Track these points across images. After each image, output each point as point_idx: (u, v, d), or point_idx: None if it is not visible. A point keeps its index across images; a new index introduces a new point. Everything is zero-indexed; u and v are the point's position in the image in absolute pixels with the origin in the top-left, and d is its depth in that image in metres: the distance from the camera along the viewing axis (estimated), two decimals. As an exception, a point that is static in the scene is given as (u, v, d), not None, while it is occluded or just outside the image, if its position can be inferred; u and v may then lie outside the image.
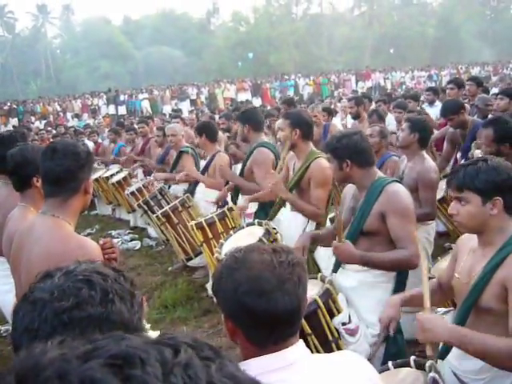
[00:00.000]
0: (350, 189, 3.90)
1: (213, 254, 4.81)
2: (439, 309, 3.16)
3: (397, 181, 3.69)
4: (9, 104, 31.31)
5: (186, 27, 61.96)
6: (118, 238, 9.39)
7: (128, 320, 1.21)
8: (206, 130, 6.71)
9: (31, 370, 0.57)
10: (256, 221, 4.59)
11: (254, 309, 1.55)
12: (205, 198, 6.75)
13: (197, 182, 6.96)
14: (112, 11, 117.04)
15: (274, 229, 4.32)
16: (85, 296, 1.22)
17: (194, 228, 5.17)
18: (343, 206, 3.88)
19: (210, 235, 5.08)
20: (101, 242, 2.81)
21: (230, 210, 5.38)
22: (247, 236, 4.33)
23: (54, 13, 69.81)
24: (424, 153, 4.95)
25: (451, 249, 5.49)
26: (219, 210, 5.48)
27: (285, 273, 1.60)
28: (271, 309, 1.55)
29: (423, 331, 2.36)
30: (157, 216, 6.52)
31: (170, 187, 7.82)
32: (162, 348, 0.61)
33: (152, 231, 8.86)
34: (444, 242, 6.64)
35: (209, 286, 5.99)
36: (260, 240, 4.11)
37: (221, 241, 4.58)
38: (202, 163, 7.37)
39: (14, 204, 3.52)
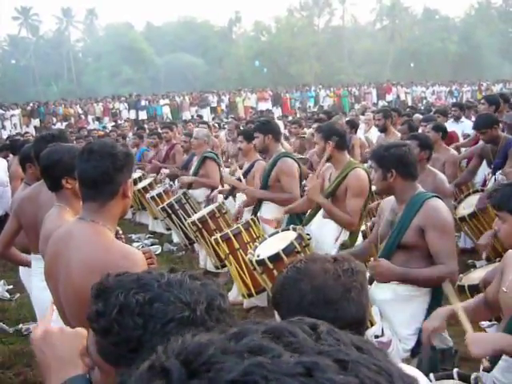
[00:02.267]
0: (388, 202, 3.89)
1: (240, 266, 4.83)
2: (483, 322, 3.15)
3: (437, 196, 3.68)
4: (31, 105, 31.62)
5: (207, 35, 62.26)
6: (138, 241, 9.43)
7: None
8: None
9: (195, 349, 0.60)
10: (291, 226, 4.61)
11: (322, 319, 1.55)
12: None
13: (234, 189, 6.98)
14: (135, 17, 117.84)
15: (308, 234, 4.34)
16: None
17: (220, 241, 5.14)
18: (381, 219, 3.88)
19: (237, 245, 5.08)
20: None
21: (254, 220, 5.41)
22: (280, 240, 4.36)
23: (78, 16, 70.66)
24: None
25: (474, 266, 5.50)
26: (244, 221, 5.48)
27: (349, 281, 1.60)
28: (339, 318, 1.53)
29: (477, 347, 2.33)
30: (193, 221, 6.48)
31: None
32: (302, 324, 0.65)
33: (174, 236, 8.86)
34: (467, 259, 6.62)
35: (231, 294, 5.98)
36: (292, 243, 4.15)
37: (255, 243, 4.62)
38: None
39: (53, 203, 3.56)
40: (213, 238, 5.41)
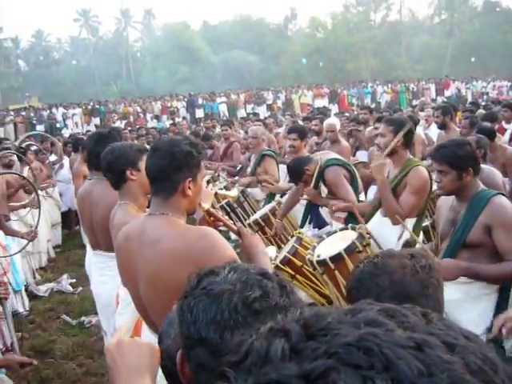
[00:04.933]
0: (445, 201, 3.78)
1: (310, 280, 4.74)
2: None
3: (501, 193, 3.57)
4: (91, 104, 32.40)
5: (263, 33, 62.40)
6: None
7: None
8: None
9: (314, 317, 0.65)
10: (350, 225, 4.54)
11: None
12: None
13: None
14: (191, 16, 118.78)
15: (368, 233, 4.27)
16: (268, 287, 1.25)
17: (281, 266, 4.87)
18: (439, 218, 3.79)
19: (299, 263, 4.95)
20: None
21: (301, 233, 5.28)
22: (340, 240, 4.29)
23: (137, 17, 72.04)
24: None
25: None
26: (294, 239, 5.32)
27: (426, 277, 1.59)
28: None
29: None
30: (254, 220, 6.48)
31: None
32: (413, 310, 0.67)
33: (231, 233, 8.89)
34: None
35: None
36: (353, 243, 4.09)
37: (313, 243, 4.56)
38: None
39: (112, 199, 3.62)
40: (273, 265, 5.25)
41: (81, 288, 7.73)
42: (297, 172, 5.75)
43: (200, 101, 32.39)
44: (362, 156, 8.30)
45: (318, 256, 4.22)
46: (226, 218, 2.81)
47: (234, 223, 3.17)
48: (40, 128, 28.10)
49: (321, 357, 0.58)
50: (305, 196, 6.06)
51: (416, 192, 4.44)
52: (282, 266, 4.85)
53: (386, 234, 4.51)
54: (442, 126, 8.47)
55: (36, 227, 6.98)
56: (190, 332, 1.22)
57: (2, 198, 6.68)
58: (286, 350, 0.60)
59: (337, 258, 4.09)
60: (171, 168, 2.51)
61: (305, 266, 4.76)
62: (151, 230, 2.55)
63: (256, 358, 0.61)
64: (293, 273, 4.83)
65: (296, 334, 0.62)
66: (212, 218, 2.75)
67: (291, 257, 4.85)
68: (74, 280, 8.15)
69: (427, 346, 0.59)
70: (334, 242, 4.33)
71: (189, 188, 2.54)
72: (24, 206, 7.99)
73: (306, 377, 0.57)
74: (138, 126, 22.07)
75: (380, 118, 7.04)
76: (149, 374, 1.38)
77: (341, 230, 4.65)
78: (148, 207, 3.16)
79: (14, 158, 8.40)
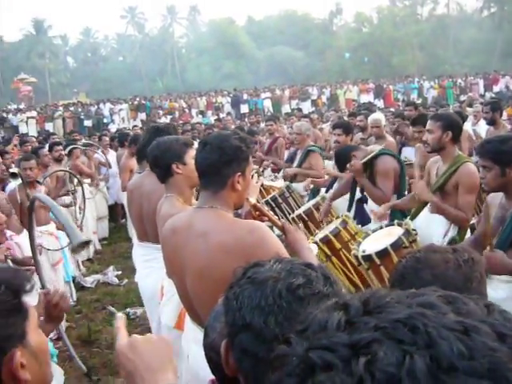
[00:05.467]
0: (494, 198, 3.70)
1: (345, 266, 4.75)
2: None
3: None
4: (138, 100, 32.84)
5: (308, 28, 62.09)
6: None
7: None
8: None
9: (374, 297, 0.70)
10: (396, 221, 4.50)
11: None
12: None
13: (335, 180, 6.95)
14: (236, 12, 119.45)
15: (414, 230, 4.22)
16: (312, 276, 1.26)
17: (320, 244, 4.91)
18: (487, 216, 3.71)
19: (339, 246, 4.96)
20: None
21: (348, 217, 5.28)
22: (386, 236, 4.26)
23: (182, 13, 72.66)
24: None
25: None
26: (340, 221, 5.32)
27: (469, 271, 1.58)
28: None
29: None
30: (298, 215, 6.45)
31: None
32: (476, 300, 0.70)
33: (275, 228, 8.89)
34: None
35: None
36: (400, 239, 4.06)
37: (358, 239, 4.53)
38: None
39: (163, 191, 3.65)
40: (312, 241, 5.30)
41: (126, 280, 7.86)
42: (343, 158, 5.72)
43: (245, 96, 32.51)
44: (408, 152, 8.18)
45: (364, 251, 4.19)
46: (271, 213, 2.81)
47: (279, 218, 3.18)
48: (87, 123, 28.71)
49: (369, 330, 0.64)
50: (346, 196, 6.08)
51: (470, 191, 4.37)
52: (320, 244, 4.88)
53: (433, 230, 4.45)
54: (491, 122, 8.31)
55: (81, 222, 7.15)
56: (235, 319, 1.23)
57: (52, 192, 6.84)
58: (341, 322, 0.66)
59: (383, 254, 4.05)
60: (221, 163, 2.52)
61: (343, 250, 4.79)
62: (200, 223, 2.57)
63: (316, 327, 0.68)
64: (329, 253, 4.88)
65: (355, 309, 0.68)
66: (257, 213, 2.76)
67: (332, 237, 4.89)
68: (119, 272, 8.29)
69: (475, 331, 0.62)
70: (380, 238, 4.30)
71: (238, 182, 2.56)
72: (68, 193, 8.28)
73: (353, 346, 0.62)
74: (182, 122, 22.26)
75: (422, 116, 6.94)
76: (170, 369, 1.36)
77: (387, 225, 4.61)
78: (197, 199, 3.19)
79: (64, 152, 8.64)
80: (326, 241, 4.88)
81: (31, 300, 1.43)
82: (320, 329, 0.67)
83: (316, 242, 4.84)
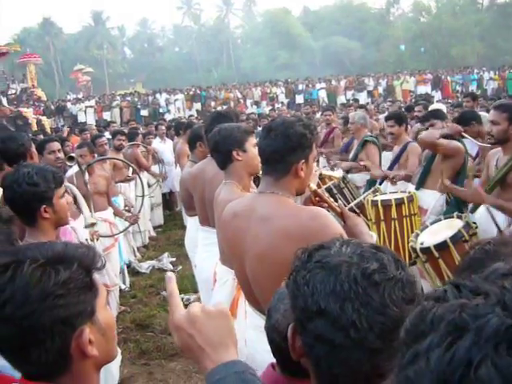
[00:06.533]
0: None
1: (389, 237, 4.71)
2: None
3: None
4: (193, 90, 33.14)
5: (364, 18, 61.22)
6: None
7: None
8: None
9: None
10: (455, 214, 4.39)
11: None
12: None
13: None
14: (292, 2, 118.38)
15: (474, 223, 4.11)
16: (384, 260, 1.23)
17: (380, 205, 5.07)
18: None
19: (395, 215, 4.95)
20: None
21: (416, 194, 5.25)
22: (445, 228, 4.17)
23: (238, 4, 72.85)
24: None
25: None
26: (408, 194, 5.26)
27: None
28: None
29: None
30: (350, 208, 6.40)
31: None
32: None
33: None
34: None
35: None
36: (459, 231, 3.98)
37: (416, 231, 4.45)
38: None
39: (221, 179, 3.66)
40: (370, 199, 5.28)
41: (180, 267, 7.96)
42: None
43: (300, 87, 32.38)
44: (467, 144, 7.97)
45: (422, 243, 4.11)
46: (331, 199, 2.78)
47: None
48: (144, 113, 29.17)
49: None
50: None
51: None
52: (379, 205, 5.07)
53: (493, 223, 4.32)
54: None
55: (139, 211, 7.25)
56: (308, 304, 1.20)
57: (110, 180, 6.97)
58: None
59: (442, 247, 3.97)
60: (285, 150, 2.51)
61: (396, 222, 4.89)
62: (262, 208, 2.57)
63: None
64: (382, 218, 5.02)
65: (495, 296, 0.68)
66: (317, 199, 2.73)
67: (394, 204, 5.02)
68: (174, 259, 8.40)
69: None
70: (439, 230, 4.21)
71: (301, 169, 2.54)
72: (126, 180, 8.44)
73: None
74: (238, 110, 22.34)
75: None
76: (232, 344, 1.33)
77: (446, 218, 4.51)
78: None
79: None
80: (385, 204, 4.88)
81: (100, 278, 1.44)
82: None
83: (375, 202, 4.90)
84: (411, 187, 5.55)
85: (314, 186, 2.72)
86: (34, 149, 4.64)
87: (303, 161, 2.54)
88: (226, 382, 1.25)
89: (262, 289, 2.55)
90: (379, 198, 5.10)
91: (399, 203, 4.90)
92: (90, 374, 1.35)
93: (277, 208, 2.53)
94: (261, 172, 2.74)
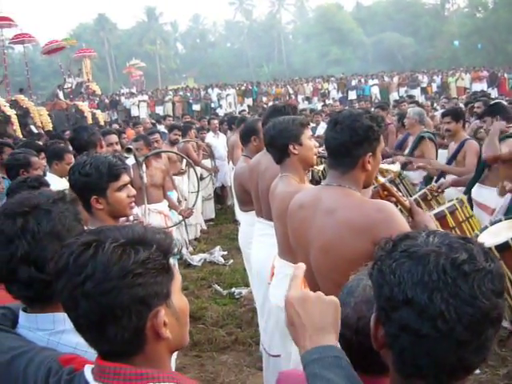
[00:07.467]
0: None
1: None
2: None
3: None
4: (245, 85, 33.26)
5: (418, 13, 60.21)
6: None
7: None
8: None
9: None
10: (517, 214, 4.28)
11: None
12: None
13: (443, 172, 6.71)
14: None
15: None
16: (474, 251, 1.20)
17: (434, 219, 4.90)
18: None
19: (452, 224, 4.81)
20: None
21: (465, 198, 5.12)
22: (507, 229, 4.04)
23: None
24: None
25: None
26: (457, 201, 5.17)
27: None
28: None
29: None
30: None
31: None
32: None
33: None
34: None
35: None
36: None
37: (475, 232, 4.34)
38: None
39: (277, 170, 3.63)
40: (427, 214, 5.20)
41: (232, 260, 7.99)
42: None
43: (353, 82, 32.12)
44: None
45: None
46: (400, 193, 2.74)
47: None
48: (196, 107, 29.45)
49: None
50: None
51: None
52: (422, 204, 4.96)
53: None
54: None
55: (193, 206, 7.31)
56: (394, 293, 1.18)
57: (166, 173, 7.04)
58: None
59: (503, 247, 3.84)
60: (352, 143, 2.47)
61: (456, 230, 4.65)
62: (328, 200, 2.55)
63: None
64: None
65: None
66: (385, 192, 2.69)
67: (448, 214, 4.69)
68: (225, 252, 8.44)
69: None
70: (499, 232, 4.08)
71: (368, 162, 2.51)
72: (180, 173, 8.53)
73: None
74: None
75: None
76: (333, 332, 1.39)
77: (506, 218, 4.38)
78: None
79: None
80: (440, 217, 4.77)
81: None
82: None
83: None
84: None
85: (382, 179, 2.69)
86: (103, 139, 4.77)
87: (370, 154, 2.51)
88: (323, 363, 1.30)
89: (325, 279, 2.54)
90: (431, 213, 4.96)
91: (452, 211, 4.77)
92: (162, 357, 1.37)
93: (342, 200, 2.51)
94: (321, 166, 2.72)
